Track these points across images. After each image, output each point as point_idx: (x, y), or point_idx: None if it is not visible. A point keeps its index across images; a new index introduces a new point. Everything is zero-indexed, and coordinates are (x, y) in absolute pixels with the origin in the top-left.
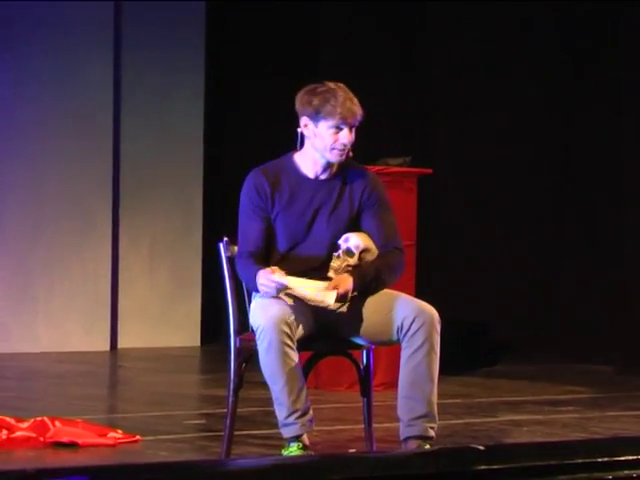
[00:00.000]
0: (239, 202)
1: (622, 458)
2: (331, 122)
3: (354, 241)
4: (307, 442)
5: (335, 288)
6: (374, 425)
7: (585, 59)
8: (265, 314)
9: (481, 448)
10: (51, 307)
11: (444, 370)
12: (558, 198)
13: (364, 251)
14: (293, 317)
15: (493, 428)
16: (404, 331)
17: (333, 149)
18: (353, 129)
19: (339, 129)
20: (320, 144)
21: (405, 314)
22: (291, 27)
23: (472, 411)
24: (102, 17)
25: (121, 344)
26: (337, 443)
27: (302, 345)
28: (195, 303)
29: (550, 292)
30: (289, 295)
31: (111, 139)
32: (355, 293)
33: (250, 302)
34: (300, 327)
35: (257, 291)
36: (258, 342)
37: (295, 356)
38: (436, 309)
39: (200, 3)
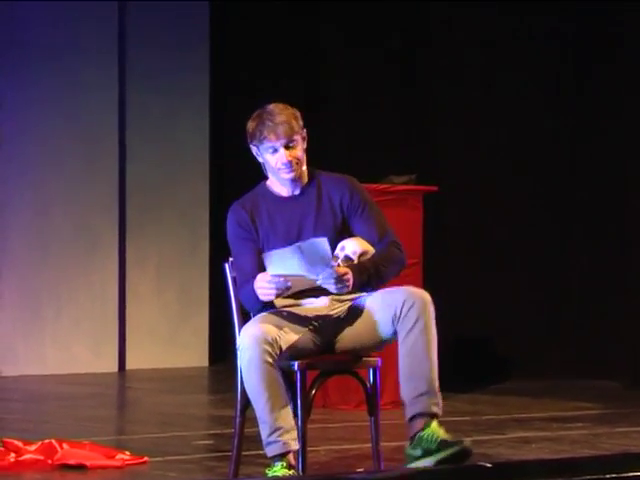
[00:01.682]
0: (227, 240)
1: (631, 474)
2: (265, 145)
3: (350, 247)
4: (292, 462)
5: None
6: (382, 444)
7: (587, 69)
8: (246, 332)
9: (489, 465)
10: (58, 329)
11: (452, 388)
12: (563, 213)
13: (362, 254)
14: (277, 336)
15: (501, 445)
16: (397, 317)
17: (279, 169)
18: (293, 145)
19: (275, 150)
20: (269, 168)
21: (396, 302)
22: (294, 46)
23: (480, 428)
24: (106, 38)
25: (129, 365)
26: (345, 462)
27: (308, 365)
28: (203, 323)
29: (557, 308)
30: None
31: (117, 160)
32: (353, 296)
33: None
34: (295, 341)
35: (264, 310)
36: (240, 360)
37: (277, 374)
38: (443, 326)
39: (204, 24)
